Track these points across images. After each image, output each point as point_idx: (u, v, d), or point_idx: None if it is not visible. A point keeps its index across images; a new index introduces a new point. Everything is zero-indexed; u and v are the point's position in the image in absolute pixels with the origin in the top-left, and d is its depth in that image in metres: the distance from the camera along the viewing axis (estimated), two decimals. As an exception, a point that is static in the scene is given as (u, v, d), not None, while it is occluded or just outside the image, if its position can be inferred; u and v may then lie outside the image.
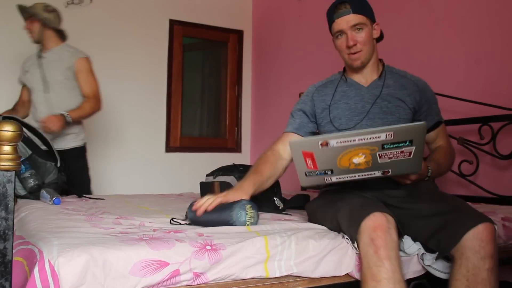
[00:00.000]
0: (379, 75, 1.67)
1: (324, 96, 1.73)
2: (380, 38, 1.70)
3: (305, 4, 3.54)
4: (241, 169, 2.48)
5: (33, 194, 2.15)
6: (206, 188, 2.05)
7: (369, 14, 1.62)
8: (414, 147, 1.23)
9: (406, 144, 1.21)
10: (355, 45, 1.59)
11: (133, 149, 3.58)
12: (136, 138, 3.61)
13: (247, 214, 1.35)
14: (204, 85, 4.35)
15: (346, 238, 1.31)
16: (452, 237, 1.28)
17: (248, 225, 1.33)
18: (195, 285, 1.10)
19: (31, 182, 2.15)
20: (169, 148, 3.81)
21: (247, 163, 4.10)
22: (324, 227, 1.41)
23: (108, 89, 3.55)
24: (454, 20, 2.43)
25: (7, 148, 0.91)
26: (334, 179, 1.32)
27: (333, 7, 1.62)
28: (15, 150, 0.92)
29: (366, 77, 1.68)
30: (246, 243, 1.17)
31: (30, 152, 2.23)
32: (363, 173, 1.30)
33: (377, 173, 1.31)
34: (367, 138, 1.20)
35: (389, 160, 1.25)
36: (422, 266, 1.38)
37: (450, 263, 1.31)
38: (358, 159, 1.25)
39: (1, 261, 0.90)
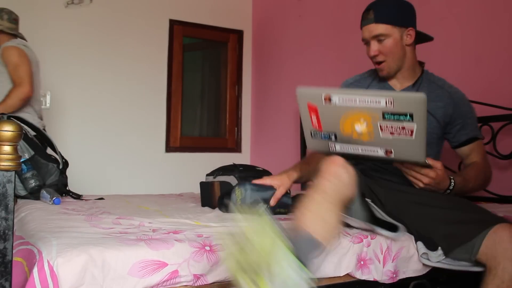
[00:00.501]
0: (414, 82, 1.61)
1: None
2: (423, 39, 1.61)
3: (305, 4, 3.54)
4: (241, 169, 2.47)
5: (33, 194, 2.16)
6: (206, 188, 2.05)
7: (397, 21, 1.52)
8: (415, 125, 1.18)
9: (407, 118, 1.17)
10: (376, 55, 1.55)
11: (133, 149, 3.58)
12: (136, 138, 3.61)
13: (236, 194, 1.52)
14: (204, 85, 4.35)
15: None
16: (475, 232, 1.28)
17: (239, 203, 1.46)
18: (195, 286, 1.10)
19: (32, 183, 2.16)
20: (169, 148, 3.81)
21: (247, 163, 4.10)
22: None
23: (108, 89, 3.56)
24: (454, 20, 2.43)
25: (7, 148, 0.91)
26: (338, 147, 1.30)
27: (363, 13, 1.57)
28: (15, 150, 0.92)
29: (400, 82, 1.63)
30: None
31: (32, 152, 2.23)
32: (365, 147, 1.27)
33: (380, 151, 1.26)
34: (368, 101, 1.18)
35: (391, 137, 1.22)
36: (424, 265, 1.38)
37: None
38: (360, 127, 1.23)
39: (1, 261, 0.90)
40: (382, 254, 1.34)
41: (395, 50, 1.54)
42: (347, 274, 1.29)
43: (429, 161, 1.33)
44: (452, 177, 1.42)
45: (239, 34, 4.14)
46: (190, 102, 4.13)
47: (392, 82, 1.64)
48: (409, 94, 1.26)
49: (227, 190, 1.77)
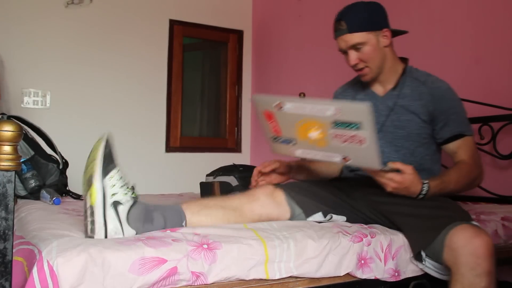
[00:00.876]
0: (395, 85, 1.59)
1: None
2: (398, 33, 1.60)
3: (305, 4, 3.54)
4: (241, 169, 2.48)
5: (33, 194, 2.16)
6: (206, 188, 2.05)
7: (371, 26, 1.51)
8: (365, 134, 1.19)
9: (356, 126, 1.19)
10: (357, 63, 1.54)
11: (133, 149, 3.57)
12: (136, 138, 3.61)
13: None
14: (204, 85, 4.35)
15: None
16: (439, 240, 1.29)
17: None
18: (195, 285, 1.10)
19: (32, 183, 2.16)
20: (169, 148, 3.81)
21: (247, 163, 4.10)
22: (321, 224, 1.42)
23: (108, 89, 3.56)
24: (453, 20, 2.43)
25: (7, 148, 0.91)
26: (299, 152, 1.36)
27: (334, 23, 1.56)
28: (15, 150, 0.92)
29: (383, 85, 1.62)
30: (243, 244, 1.17)
31: (32, 153, 2.23)
32: (324, 153, 1.30)
33: (338, 157, 1.29)
34: (318, 110, 1.21)
35: (343, 144, 1.24)
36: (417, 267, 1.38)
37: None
38: (315, 134, 1.26)
39: (1, 261, 0.90)
40: (383, 252, 1.33)
41: (374, 55, 1.53)
42: (347, 273, 1.29)
43: (397, 166, 1.33)
44: (426, 181, 1.38)
45: (239, 34, 4.14)
46: (190, 102, 4.13)
47: (375, 87, 1.64)
48: (355, 104, 1.28)
49: (227, 190, 1.78)
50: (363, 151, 1.23)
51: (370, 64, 1.54)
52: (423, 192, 1.37)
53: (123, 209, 1.18)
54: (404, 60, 1.64)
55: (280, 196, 1.50)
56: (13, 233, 0.93)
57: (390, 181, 1.33)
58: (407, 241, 1.39)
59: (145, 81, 3.71)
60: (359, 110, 1.18)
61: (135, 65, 3.66)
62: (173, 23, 3.84)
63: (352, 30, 1.50)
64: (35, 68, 3.29)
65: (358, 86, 1.71)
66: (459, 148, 1.53)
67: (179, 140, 3.86)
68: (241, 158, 4.07)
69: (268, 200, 1.47)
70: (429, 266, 1.35)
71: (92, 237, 1.15)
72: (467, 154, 1.52)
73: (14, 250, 1.00)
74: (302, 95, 3.27)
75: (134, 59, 3.65)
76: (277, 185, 1.55)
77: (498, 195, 2.10)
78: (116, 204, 1.17)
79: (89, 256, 0.99)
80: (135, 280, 1.02)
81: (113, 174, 1.19)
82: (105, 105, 3.53)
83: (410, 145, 1.56)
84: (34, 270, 0.95)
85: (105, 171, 1.17)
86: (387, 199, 1.45)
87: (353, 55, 1.53)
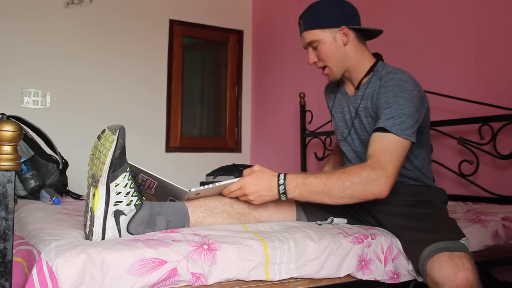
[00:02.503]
0: (358, 85, 1.53)
1: (329, 100, 1.73)
2: (372, 34, 1.54)
3: (305, 4, 3.51)
4: (241, 169, 2.47)
5: (33, 194, 2.16)
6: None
7: (324, 24, 1.47)
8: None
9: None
10: (315, 62, 1.54)
11: (133, 149, 3.55)
12: (136, 138, 3.61)
13: None
14: (204, 85, 4.35)
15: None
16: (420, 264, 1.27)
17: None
18: (195, 286, 1.10)
19: (32, 183, 2.16)
20: (169, 148, 3.81)
21: (247, 163, 4.10)
22: (321, 225, 1.42)
23: (108, 89, 3.56)
24: (453, 20, 2.42)
25: (7, 148, 0.91)
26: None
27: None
28: (15, 150, 0.92)
29: (353, 85, 1.58)
30: (244, 245, 1.17)
31: (32, 153, 2.23)
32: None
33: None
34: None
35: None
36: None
37: None
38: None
39: (1, 261, 0.90)
40: (383, 254, 1.33)
41: (331, 53, 1.49)
42: (348, 274, 1.28)
43: (244, 173, 1.37)
44: (282, 174, 1.30)
45: (239, 34, 4.14)
46: (190, 102, 4.13)
47: (347, 86, 1.61)
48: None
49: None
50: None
51: (328, 63, 1.52)
52: (280, 182, 1.29)
53: (124, 219, 1.16)
54: (377, 56, 1.56)
55: (291, 203, 1.47)
56: (13, 233, 0.92)
57: (233, 192, 1.35)
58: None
59: (145, 81, 3.71)
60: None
61: (135, 65, 3.66)
62: (173, 23, 3.84)
63: (306, 28, 1.50)
64: (35, 68, 3.29)
65: (338, 84, 1.68)
66: (372, 140, 1.35)
67: (179, 140, 3.86)
68: (241, 158, 4.07)
69: (275, 209, 1.44)
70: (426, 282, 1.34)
71: (89, 239, 1.15)
72: (375, 147, 1.32)
73: (14, 251, 1.00)
74: (302, 94, 3.28)
75: (134, 59, 3.65)
76: None
77: (498, 195, 2.10)
78: (118, 213, 1.15)
79: (88, 257, 0.99)
80: (134, 282, 1.02)
81: (120, 181, 1.14)
82: (105, 105, 3.53)
83: None
84: (34, 271, 0.95)
85: (112, 177, 1.13)
86: (383, 208, 1.46)
87: (311, 53, 1.54)
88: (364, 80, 1.52)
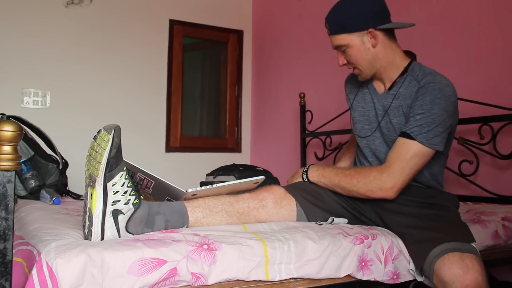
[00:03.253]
0: (391, 84, 1.50)
1: (350, 92, 1.68)
2: (399, 27, 1.49)
3: (305, 4, 3.53)
4: (241, 169, 2.48)
5: (33, 194, 2.16)
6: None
7: (350, 28, 1.43)
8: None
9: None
10: (345, 64, 1.52)
11: (133, 149, 3.57)
12: (136, 138, 3.61)
13: None
14: (204, 85, 4.35)
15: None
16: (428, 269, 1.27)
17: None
18: (195, 286, 1.10)
19: (32, 183, 2.16)
20: (169, 148, 3.81)
21: (247, 163, 4.10)
22: (321, 226, 1.42)
23: (108, 89, 3.56)
24: (453, 19, 2.42)
25: (7, 148, 0.91)
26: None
27: None
28: (15, 150, 0.92)
29: (384, 82, 1.53)
30: (244, 245, 1.17)
31: (32, 153, 2.23)
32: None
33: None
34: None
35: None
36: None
37: None
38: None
39: (1, 261, 0.90)
40: (383, 254, 1.33)
41: (359, 56, 1.46)
42: (348, 275, 1.28)
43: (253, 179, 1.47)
44: (306, 171, 1.56)
45: (239, 34, 4.14)
46: (190, 102, 4.13)
47: (376, 83, 1.57)
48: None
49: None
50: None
51: (358, 65, 1.50)
52: (304, 176, 1.56)
53: (123, 219, 1.16)
54: (411, 55, 1.54)
55: (291, 203, 1.47)
56: (13, 233, 0.92)
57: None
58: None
59: (145, 81, 3.71)
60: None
61: (135, 65, 3.66)
62: (173, 23, 3.84)
63: (333, 32, 1.47)
64: (35, 68, 3.29)
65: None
66: (394, 145, 1.41)
67: (179, 140, 3.86)
68: (241, 158, 4.07)
69: (275, 209, 1.44)
70: (427, 282, 1.33)
71: (89, 239, 1.15)
72: (393, 153, 1.39)
73: (14, 251, 1.00)
74: (302, 94, 3.28)
75: (134, 59, 3.65)
76: (288, 187, 1.51)
77: (498, 195, 2.10)
78: (116, 212, 1.14)
79: (88, 257, 0.99)
80: (134, 281, 1.02)
81: (117, 180, 1.14)
82: (105, 105, 3.53)
83: None
84: (34, 271, 0.95)
85: (109, 177, 1.13)
86: (390, 207, 1.46)
87: (340, 56, 1.51)
88: (398, 80, 1.49)
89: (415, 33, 2.61)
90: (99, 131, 1.17)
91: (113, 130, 1.14)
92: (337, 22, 1.45)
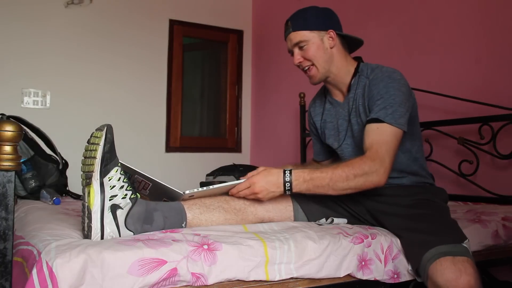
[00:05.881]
0: (348, 88, 1.57)
1: (316, 116, 1.74)
2: (355, 44, 1.60)
3: (305, 4, 3.52)
4: (241, 169, 2.48)
5: (33, 194, 2.16)
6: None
7: (314, 26, 1.53)
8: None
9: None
10: (301, 61, 1.57)
11: (133, 149, 3.57)
12: (136, 138, 3.61)
13: None
14: (204, 85, 4.35)
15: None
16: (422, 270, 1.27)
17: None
18: (195, 286, 1.10)
19: (32, 183, 2.16)
20: (169, 148, 3.81)
21: (247, 163, 4.10)
22: (321, 225, 1.42)
23: (108, 89, 3.56)
24: (453, 19, 2.42)
25: (7, 148, 0.91)
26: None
27: (284, 26, 1.61)
28: (15, 150, 0.92)
29: (341, 91, 1.61)
30: (244, 245, 1.17)
31: (32, 153, 2.23)
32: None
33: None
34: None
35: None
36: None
37: None
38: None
39: (1, 261, 0.90)
40: (383, 253, 1.33)
41: (318, 53, 1.53)
42: (348, 274, 1.28)
43: (247, 176, 1.40)
44: (288, 169, 1.37)
45: (239, 34, 4.14)
46: (190, 102, 4.13)
47: (336, 94, 1.63)
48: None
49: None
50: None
51: (315, 62, 1.55)
52: (287, 179, 1.35)
53: (121, 213, 1.17)
54: (357, 59, 1.61)
55: (287, 198, 1.49)
56: (13, 233, 0.92)
57: (241, 192, 1.39)
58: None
59: (145, 81, 3.71)
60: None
61: (135, 65, 3.66)
62: (173, 23, 3.84)
63: (295, 28, 1.55)
64: (35, 68, 3.29)
65: (325, 96, 1.70)
66: (367, 132, 1.40)
67: (179, 140, 3.86)
68: (241, 158, 4.07)
69: (272, 205, 1.46)
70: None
71: (89, 238, 1.15)
72: (372, 139, 1.38)
73: (14, 251, 1.00)
74: (302, 94, 3.28)
75: (134, 59, 3.65)
76: None
77: (498, 195, 2.10)
78: (114, 207, 1.16)
79: (88, 257, 0.99)
80: (134, 281, 1.02)
81: (112, 175, 1.17)
82: (105, 105, 3.53)
83: None
84: (34, 271, 0.95)
85: (104, 171, 1.16)
86: (381, 208, 1.47)
87: (297, 53, 1.57)
88: (352, 82, 1.56)
89: (415, 33, 2.62)
90: (91, 134, 1.21)
91: (105, 127, 1.18)
92: (302, 19, 1.54)
